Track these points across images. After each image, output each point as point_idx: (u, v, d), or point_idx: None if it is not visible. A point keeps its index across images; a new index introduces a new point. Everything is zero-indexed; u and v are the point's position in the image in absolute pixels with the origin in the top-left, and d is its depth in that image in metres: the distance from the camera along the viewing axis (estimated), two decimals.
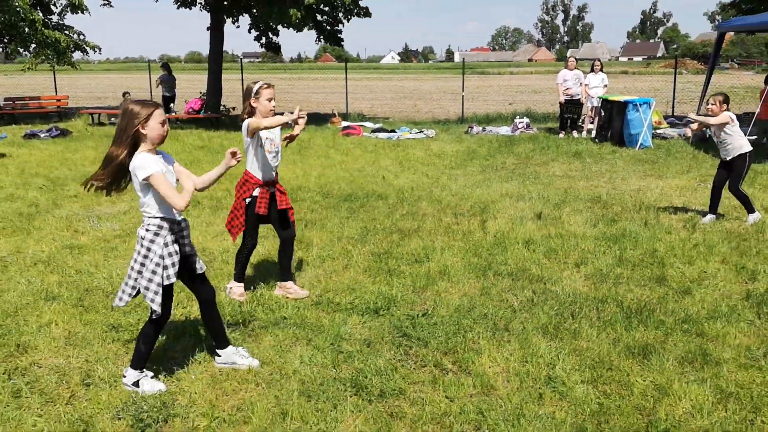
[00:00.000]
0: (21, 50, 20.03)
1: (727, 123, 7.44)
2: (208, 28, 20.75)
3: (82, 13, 20.27)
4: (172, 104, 19.17)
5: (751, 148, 7.58)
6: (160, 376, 4.14)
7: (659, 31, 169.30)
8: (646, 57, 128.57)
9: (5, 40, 19.68)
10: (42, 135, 16.40)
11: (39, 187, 10.09)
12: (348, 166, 12.07)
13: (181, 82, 20.52)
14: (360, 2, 19.96)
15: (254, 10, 20.24)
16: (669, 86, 24.61)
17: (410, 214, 8.32)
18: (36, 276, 6.06)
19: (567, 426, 3.56)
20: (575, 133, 15.80)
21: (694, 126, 7.82)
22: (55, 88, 26.45)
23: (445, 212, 8.38)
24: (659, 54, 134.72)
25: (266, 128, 5.08)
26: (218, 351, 4.24)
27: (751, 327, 4.82)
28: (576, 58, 16.43)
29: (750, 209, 7.63)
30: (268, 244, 6.87)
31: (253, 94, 5.08)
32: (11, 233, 7.52)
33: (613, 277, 5.89)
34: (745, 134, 7.89)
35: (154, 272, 3.81)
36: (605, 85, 15.70)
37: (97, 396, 3.91)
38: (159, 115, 3.79)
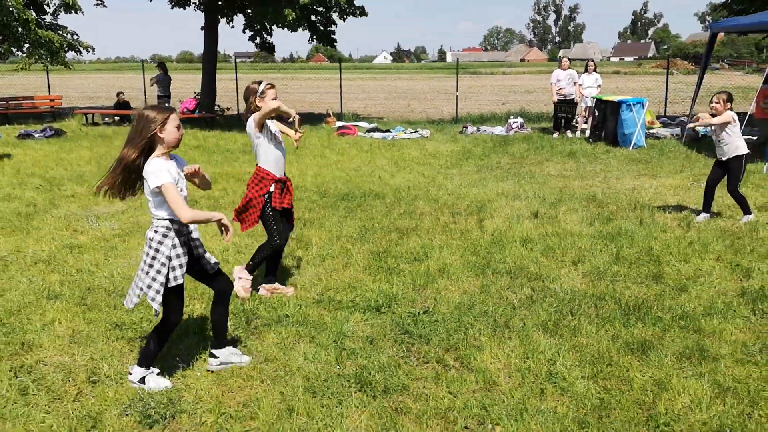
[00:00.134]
0: (14, 50, 19.98)
1: (729, 123, 7.51)
2: (202, 28, 20.75)
3: (76, 13, 20.23)
4: (167, 104, 19.13)
5: (747, 151, 7.66)
6: (165, 373, 4.19)
7: (650, 32, 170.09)
8: (637, 57, 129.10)
9: None
10: (36, 135, 16.37)
11: (36, 187, 10.10)
12: (344, 165, 12.12)
13: (174, 81, 20.47)
14: (355, 1, 20.01)
15: (249, 10, 20.26)
16: (660, 86, 24.79)
17: (408, 213, 8.38)
18: (37, 275, 6.09)
19: (569, 420, 3.62)
20: (569, 133, 15.90)
21: (698, 126, 7.84)
22: (49, 88, 26.35)
23: (443, 211, 8.44)
24: (650, 54, 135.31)
25: (272, 112, 5.11)
26: (215, 352, 4.24)
27: (746, 323, 4.90)
28: (569, 58, 16.50)
29: (746, 210, 7.71)
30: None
31: (258, 94, 5.16)
32: (10, 233, 7.54)
33: (610, 274, 5.97)
34: (743, 134, 7.95)
35: (158, 272, 3.85)
36: (599, 85, 15.81)
37: (103, 393, 3.95)
38: (174, 119, 3.87)
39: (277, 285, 5.60)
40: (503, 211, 8.42)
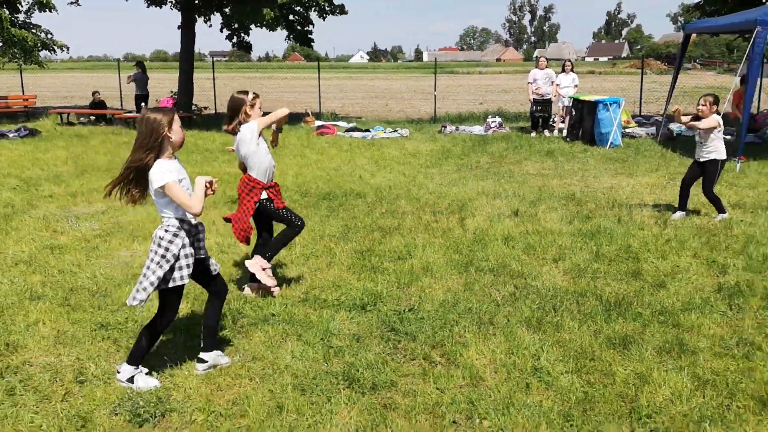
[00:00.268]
0: None
1: (715, 127, 7.64)
2: (179, 27, 20.61)
3: (50, 11, 20.00)
4: (143, 103, 18.98)
5: (725, 157, 7.82)
6: (153, 372, 4.19)
7: (624, 32, 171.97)
8: (611, 57, 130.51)
9: None
10: (11, 135, 16.16)
11: (12, 188, 9.98)
12: (324, 165, 12.14)
13: (149, 81, 20.30)
14: (334, 0, 20.01)
15: (226, 9, 20.17)
16: (634, 86, 25.13)
17: (389, 212, 8.43)
18: (18, 276, 6.04)
19: (554, 413, 3.70)
20: (547, 132, 16.06)
21: (683, 120, 7.89)
22: (22, 87, 26.00)
23: (424, 210, 8.50)
24: (624, 54, 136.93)
25: (285, 119, 5.43)
26: (204, 356, 4.25)
27: (723, 318, 5.02)
28: (546, 58, 16.68)
29: (721, 210, 7.87)
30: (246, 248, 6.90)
31: (249, 104, 5.22)
32: None
33: (590, 271, 6.08)
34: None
35: (160, 266, 3.89)
36: (576, 85, 15.99)
37: (92, 393, 3.95)
38: (177, 119, 3.93)
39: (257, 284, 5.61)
40: (484, 209, 8.50)
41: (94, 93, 20.99)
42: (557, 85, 15.82)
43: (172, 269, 3.91)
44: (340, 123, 18.68)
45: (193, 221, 4.03)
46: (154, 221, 8.00)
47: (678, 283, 5.74)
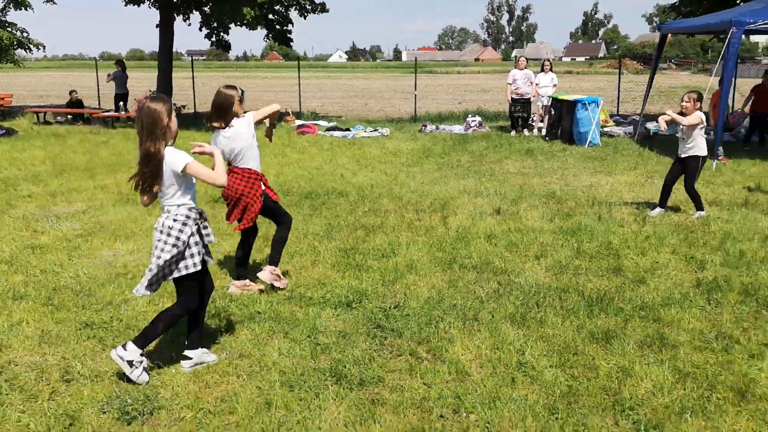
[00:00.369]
0: None
1: (698, 124, 7.77)
2: (157, 25, 20.47)
3: (26, 9, 19.75)
4: (122, 102, 18.84)
5: (706, 154, 7.96)
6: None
7: (600, 32, 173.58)
8: (588, 57, 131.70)
9: None
10: None
11: None
12: (305, 164, 12.14)
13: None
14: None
15: (206, 8, 20.06)
16: (611, 85, 25.44)
17: (372, 210, 8.46)
18: (0, 276, 5.98)
19: (539, 407, 3.76)
20: (526, 132, 16.20)
21: (663, 120, 8.01)
22: None
23: (407, 209, 8.55)
24: (601, 54, 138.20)
25: (277, 113, 5.53)
26: (189, 353, 4.26)
27: (702, 312, 5.13)
28: (527, 58, 16.81)
29: (699, 207, 8.02)
30: (233, 240, 6.91)
31: (239, 100, 5.25)
32: None
33: (572, 268, 6.16)
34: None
35: (168, 252, 3.96)
36: (554, 85, 16.13)
37: (79, 391, 3.94)
38: (172, 109, 3.99)
39: (247, 281, 5.62)
40: (466, 208, 8.57)
41: (71, 92, 20.76)
42: (536, 84, 15.95)
43: (183, 257, 3.98)
44: (321, 122, 18.67)
45: (196, 210, 4.11)
46: (135, 221, 7.97)
47: (658, 279, 5.84)
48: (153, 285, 4.04)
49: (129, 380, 4.01)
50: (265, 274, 5.58)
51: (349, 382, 4.05)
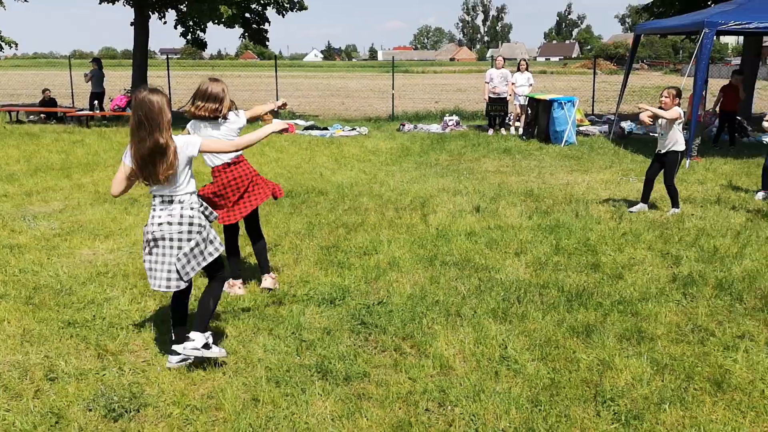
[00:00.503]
0: None
1: (677, 119, 7.91)
2: (132, 24, 20.27)
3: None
4: (96, 101, 18.63)
5: (684, 148, 8.13)
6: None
7: (574, 33, 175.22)
8: (562, 57, 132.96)
9: None
10: None
11: None
12: (284, 163, 12.14)
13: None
14: None
15: (182, 6, 19.91)
16: (585, 85, 25.75)
17: (353, 209, 8.50)
18: None
19: (523, 399, 3.83)
20: (503, 131, 16.33)
21: (645, 115, 8.13)
22: None
23: (387, 207, 8.60)
24: (574, 54, 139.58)
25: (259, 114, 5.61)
26: (178, 348, 4.22)
27: (678, 306, 5.25)
28: (504, 58, 16.95)
29: (675, 204, 8.18)
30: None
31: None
32: None
33: (551, 264, 6.26)
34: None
35: (197, 244, 4.07)
36: (531, 84, 16.28)
37: (63, 389, 3.93)
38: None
39: (232, 281, 5.61)
40: (445, 206, 8.64)
41: (44, 91, 20.47)
42: (513, 84, 16.09)
43: (206, 243, 4.09)
44: (299, 121, 18.64)
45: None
46: (114, 220, 7.92)
47: (635, 275, 5.96)
48: (183, 278, 4.06)
49: (215, 362, 4.20)
50: (272, 280, 5.62)
51: (335, 378, 4.09)
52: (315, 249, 6.76)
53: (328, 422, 3.63)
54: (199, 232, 4.06)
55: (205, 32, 21.44)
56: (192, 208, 4.06)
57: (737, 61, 53.90)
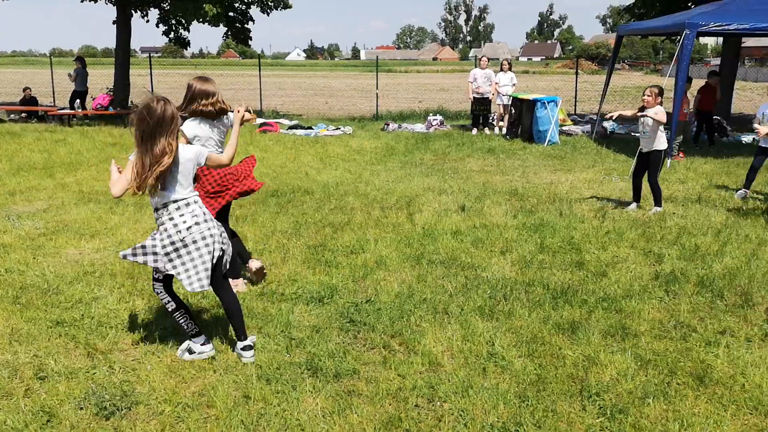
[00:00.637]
0: None
1: (662, 121, 8.01)
2: (114, 22, 20.13)
3: None
4: (79, 100, 18.49)
5: (666, 146, 8.26)
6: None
7: (556, 33, 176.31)
8: (544, 57, 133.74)
9: None
10: None
11: None
12: (269, 162, 12.14)
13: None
14: None
15: (165, 4, 19.81)
16: (567, 85, 25.97)
17: (339, 208, 8.54)
18: None
19: (511, 395, 3.90)
20: (487, 130, 16.44)
21: (627, 113, 8.21)
22: None
23: (373, 206, 8.64)
24: (556, 54, 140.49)
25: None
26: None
27: (661, 303, 5.35)
28: (488, 58, 17.05)
29: (658, 203, 8.31)
30: None
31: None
32: None
33: (536, 262, 6.34)
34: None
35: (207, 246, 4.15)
36: (514, 84, 16.40)
37: (54, 388, 3.93)
38: None
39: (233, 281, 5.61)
40: (431, 205, 8.71)
41: (25, 89, 20.30)
42: (496, 83, 16.20)
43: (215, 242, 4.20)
44: (282, 120, 18.64)
45: None
46: (100, 219, 7.90)
47: (618, 272, 6.06)
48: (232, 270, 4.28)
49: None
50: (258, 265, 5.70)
51: (325, 375, 4.13)
52: (302, 248, 6.79)
53: (319, 418, 3.67)
54: (217, 226, 4.23)
55: (188, 31, 21.36)
56: (201, 207, 4.18)
57: (716, 61, 54.61)
